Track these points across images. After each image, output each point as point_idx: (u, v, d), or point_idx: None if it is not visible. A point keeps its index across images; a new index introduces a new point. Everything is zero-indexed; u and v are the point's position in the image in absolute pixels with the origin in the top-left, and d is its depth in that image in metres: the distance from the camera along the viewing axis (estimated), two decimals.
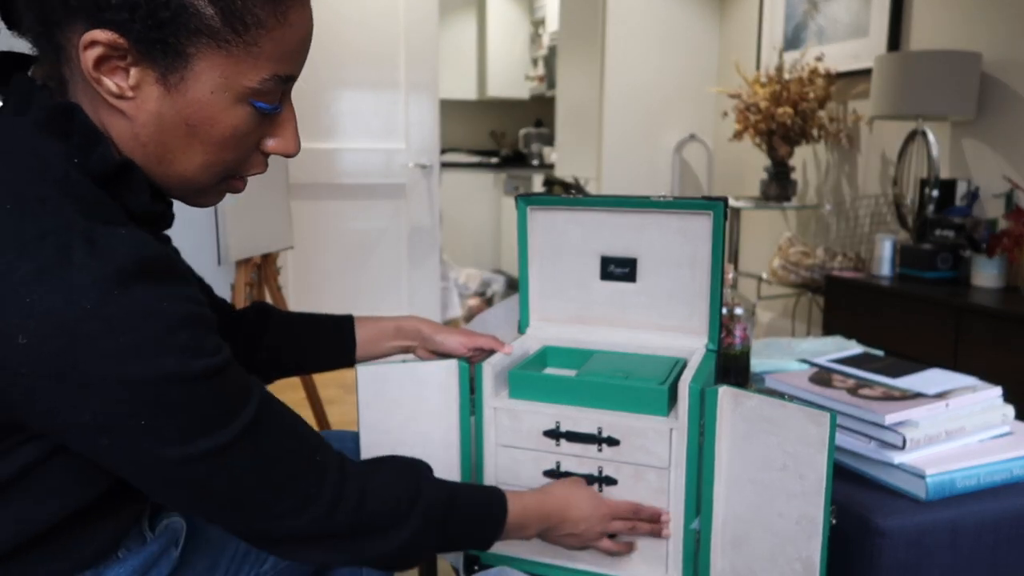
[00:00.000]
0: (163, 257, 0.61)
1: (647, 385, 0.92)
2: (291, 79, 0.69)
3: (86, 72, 0.62)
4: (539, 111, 6.08)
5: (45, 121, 0.63)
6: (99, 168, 0.64)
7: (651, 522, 0.92)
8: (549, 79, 5.34)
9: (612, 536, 0.93)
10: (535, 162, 5.71)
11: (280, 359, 1.04)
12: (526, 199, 1.07)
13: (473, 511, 0.82)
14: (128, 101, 0.64)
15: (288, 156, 0.74)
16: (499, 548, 0.99)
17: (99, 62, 0.62)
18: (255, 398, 0.66)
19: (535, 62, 5.79)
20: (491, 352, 1.02)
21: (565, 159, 4.43)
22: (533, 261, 1.11)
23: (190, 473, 0.63)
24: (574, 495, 0.90)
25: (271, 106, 0.68)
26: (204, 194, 0.73)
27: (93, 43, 0.61)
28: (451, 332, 1.06)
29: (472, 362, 1.02)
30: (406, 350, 1.08)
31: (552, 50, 5.17)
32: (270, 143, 0.72)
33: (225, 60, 0.63)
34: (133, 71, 0.63)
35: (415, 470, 0.80)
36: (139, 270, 0.58)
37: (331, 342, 1.06)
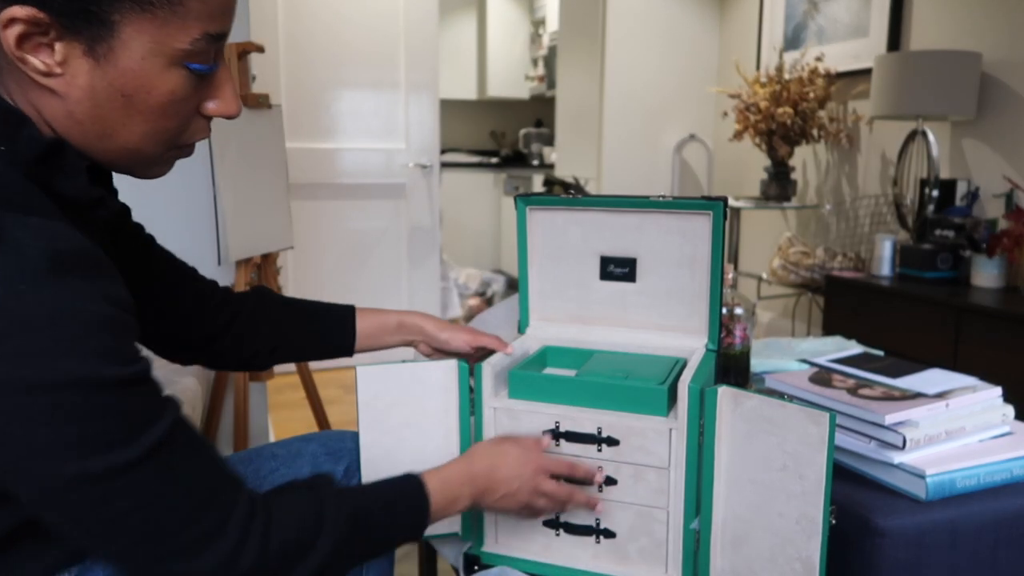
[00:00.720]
0: (81, 251, 0.57)
1: (647, 385, 0.92)
2: (222, 37, 0.67)
3: (9, 52, 0.60)
4: (539, 111, 6.08)
5: None
6: (28, 151, 0.61)
7: (585, 483, 0.91)
8: (549, 79, 5.34)
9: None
10: (535, 162, 5.71)
11: (278, 344, 1.03)
12: (525, 199, 1.07)
13: (387, 510, 0.78)
14: (57, 78, 0.61)
15: (229, 117, 0.72)
16: (499, 548, 0.99)
17: (21, 40, 0.59)
18: (167, 419, 0.62)
19: (535, 62, 5.79)
20: (492, 352, 1.02)
21: (565, 159, 4.43)
22: (533, 261, 1.11)
23: (85, 494, 0.58)
24: (499, 453, 0.87)
25: (206, 66, 0.66)
26: (152, 164, 0.70)
27: (12, 21, 0.58)
28: (455, 330, 1.06)
29: (472, 361, 1.02)
30: (407, 344, 1.08)
31: (552, 50, 5.17)
32: (210, 106, 0.70)
33: (152, 23, 0.61)
34: (58, 46, 0.60)
35: (314, 492, 0.74)
36: (50, 265, 0.55)
37: (331, 331, 1.04)
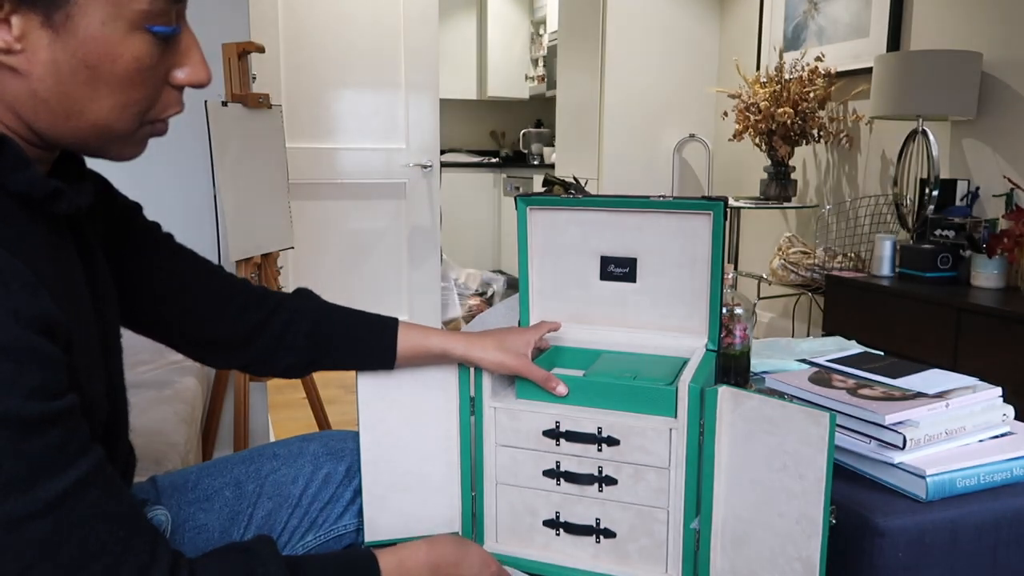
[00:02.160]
0: None
1: (656, 385, 0.92)
2: None
3: None
4: (539, 111, 6.08)
5: None
6: None
7: None
8: (549, 79, 5.34)
9: None
10: (535, 162, 5.71)
11: (315, 358, 0.97)
12: (526, 199, 1.07)
13: None
14: (18, 55, 0.59)
15: (200, 86, 0.69)
16: (499, 547, 0.99)
17: None
18: (78, 467, 0.56)
19: (535, 62, 5.79)
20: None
21: (565, 159, 4.43)
22: (533, 261, 1.11)
23: None
24: (464, 551, 0.85)
25: (168, 28, 0.63)
26: (125, 143, 0.67)
27: None
28: (506, 352, 0.96)
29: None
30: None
31: (552, 50, 5.16)
32: (179, 75, 0.67)
33: None
34: (15, 19, 0.58)
35: (249, 554, 0.69)
36: None
37: (371, 349, 0.97)
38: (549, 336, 1.10)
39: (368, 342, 0.97)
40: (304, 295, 0.99)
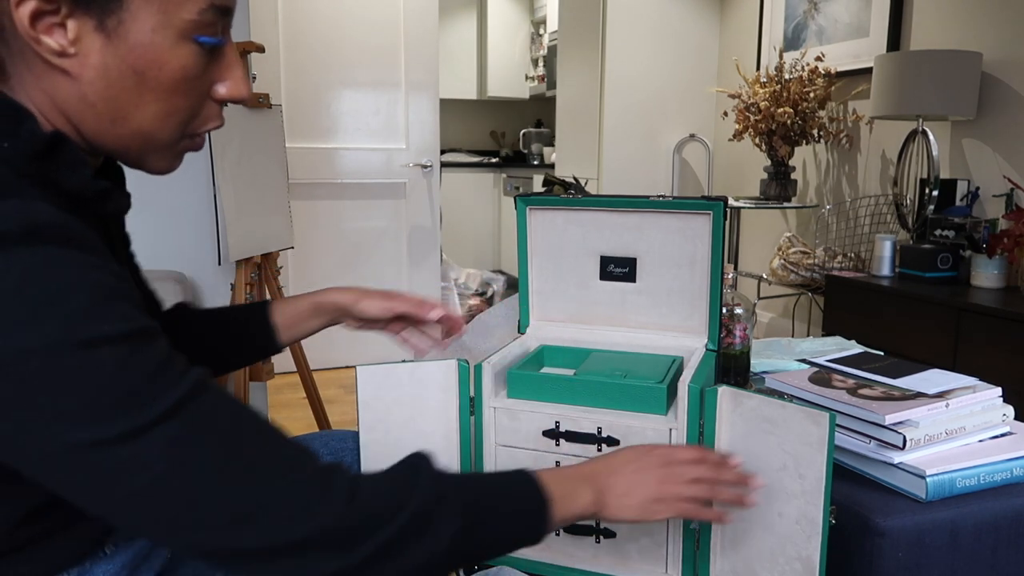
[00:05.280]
0: (62, 224, 0.56)
1: (645, 384, 0.92)
2: (228, 12, 0.67)
3: (23, 32, 0.60)
4: (539, 111, 6.08)
5: None
6: (29, 147, 0.61)
7: (718, 470, 0.79)
8: (549, 79, 5.34)
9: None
10: (535, 162, 5.71)
11: (205, 361, 0.99)
12: (525, 199, 1.07)
13: (499, 489, 0.70)
14: (71, 59, 0.62)
15: (240, 101, 0.71)
16: None
17: (34, 19, 0.60)
18: (191, 376, 0.58)
19: (535, 62, 5.79)
20: (418, 321, 1.01)
21: (565, 159, 4.43)
22: (533, 261, 1.11)
23: (108, 461, 0.54)
24: (611, 453, 0.80)
25: (214, 39, 0.66)
26: (163, 154, 0.70)
27: None
28: (372, 297, 1.01)
29: (400, 336, 1.01)
30: (333, 324, 1.04)
31: (552, 50, 5.17)
32: (220, 89, 0.70)
33: None
34: (70, 24, 0.61)
35: (407, 463, 0.68)
36: (23, 233, 0.53)
37: (251, 336, 1.01)
38: (545, 336, 1.10)
39: (248, 331, 1.00)
40: (181, 310, 1.00)
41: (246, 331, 1.01)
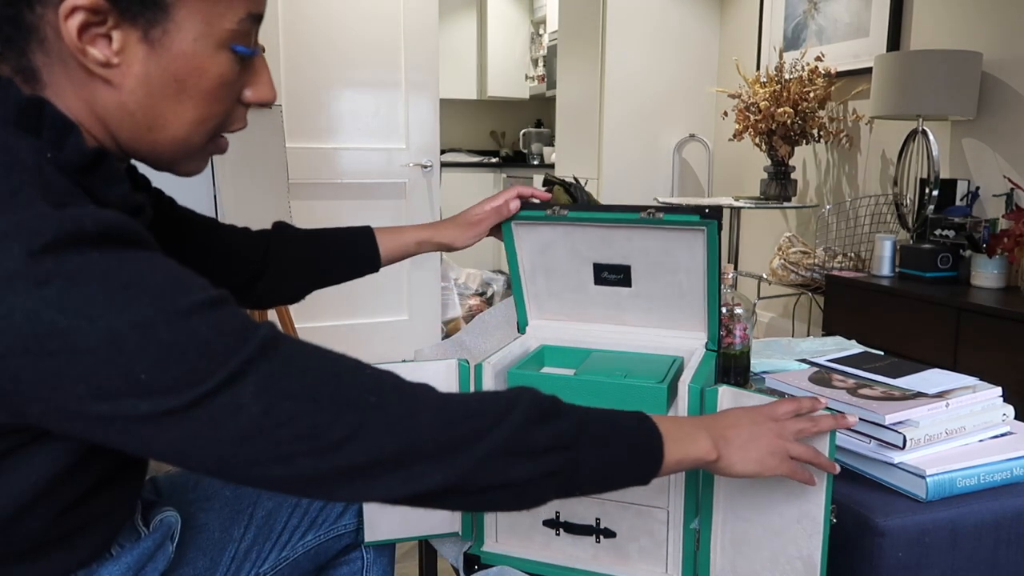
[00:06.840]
0: (135, 228, 0.57)
1: (646, 384, 0.92)
2: (260, 20, 0.69)
3: (71, 44, 0.61)
4: (539, 111, 6.08)
5: (16, 117, 0.61)
6: (73, 159, 0.62)
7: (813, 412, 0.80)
8: (549, 79, 5.34)
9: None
10: (535, 162, 5.71)
11: (310, 274, 1.09)
12: (507, 220, 1.08)
13: (607, 419, 0.69)
14: (114, 69, 0.63)
15: (267, 104, 0.73)
16: (499, 547, 0.99)
17: (82, 31, 0.61)
18: (265, 326, 0.60)
19: (535, 62, 5.79)
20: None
21: (565, 159, 4.43)
22: (532, 263, 1.11)
23: (208, 413, 0.55)
24: (721, 411, 0.80)
25: (249, 50, 0.68)
26: (194, 157, 0.72)
27: (74, 9, 0.60)
28: (464, 231, 1.12)
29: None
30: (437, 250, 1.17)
31: (552, 50, 5.17)
32: (248, 93, 0.72)
33: (203, 3, 0.64)
34: (116, 34, 0.62)
35: (514, 390, 0.68)
36: (99, 233, 0.55)
37: (358, 254, 1.12)
38: (545, 335, 1.10)
39: (352, 254, 1.11)
40: (283, 227, 1.10)
41: (355, 251, 1.11)
